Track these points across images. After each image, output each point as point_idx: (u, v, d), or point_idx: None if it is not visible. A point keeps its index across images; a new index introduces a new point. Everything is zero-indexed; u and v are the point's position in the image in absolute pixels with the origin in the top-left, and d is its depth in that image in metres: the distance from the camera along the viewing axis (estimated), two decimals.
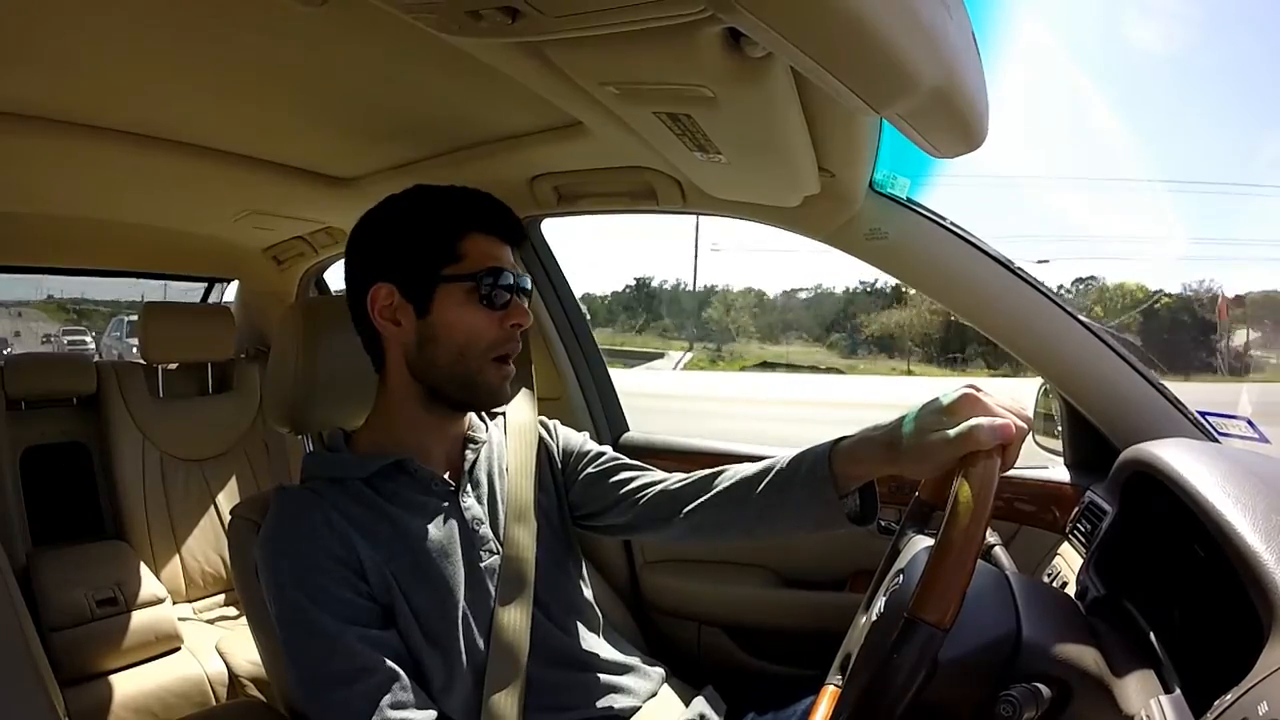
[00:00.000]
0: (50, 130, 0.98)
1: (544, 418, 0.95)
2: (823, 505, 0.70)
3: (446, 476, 0.81)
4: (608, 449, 0.93)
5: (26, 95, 0.91)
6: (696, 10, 0.47)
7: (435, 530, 0.76)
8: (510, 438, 0.88)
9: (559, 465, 0.91)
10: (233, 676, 1.47)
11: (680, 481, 0.82)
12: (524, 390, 0.96)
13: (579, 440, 0.94)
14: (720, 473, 0.80)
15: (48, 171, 1.18)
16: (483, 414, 0.88)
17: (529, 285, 0.79)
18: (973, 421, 0.58)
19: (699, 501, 0.79)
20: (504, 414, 0.92)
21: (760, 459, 0.78)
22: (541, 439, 0.91)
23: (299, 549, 0.70)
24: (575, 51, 0.58)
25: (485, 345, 0.75)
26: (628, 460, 0.90)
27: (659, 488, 0.83)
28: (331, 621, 0.67)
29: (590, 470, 0.89)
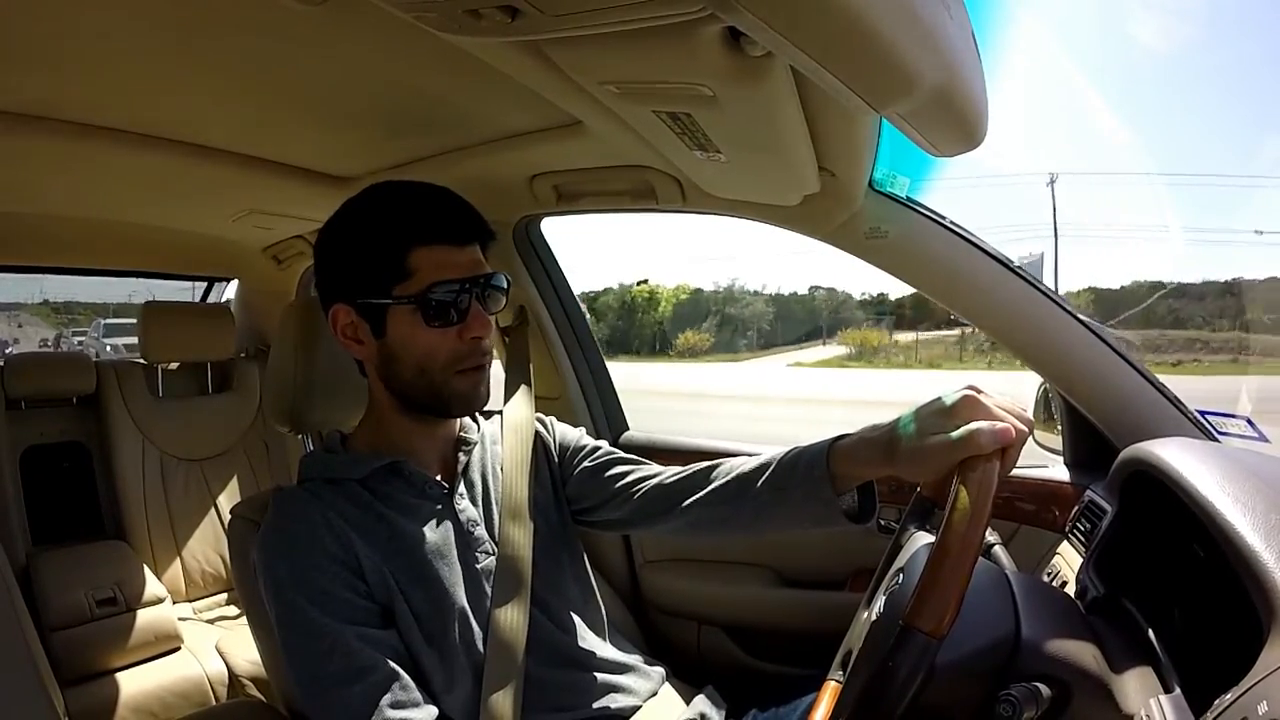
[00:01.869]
0: (50, 130, 0.98)
1: (540, 414, 0.94)
2: (820, 504, 0.69)
3: (440, 478, 0.81)
4: (604, 443, 0.92)
5: (26, 95, 0.90)
6: (696, 9, 0.47)
7: (430, 533, 0.76)
8: (506, 436, 0.88)
9: (556, 461, 0.90)
10: (233, 676, 1.47)
11: (676, 476, 0.81)
12: (522, 388, 0.96)
13: (575, 435, 0.93)
14: (717, 467, 0.79)
15: (47, 171, 1.18)
16: (475, 415, 0.88)
17: (503, 282, 0.76)
18: (973, 425, 0.57)
19: (695, 497, 0.78)
20: (500, 412, 0.91)
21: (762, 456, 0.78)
22: (538, 434, 0.90)
23: (298, 549, 0.70)
24: (575, 50, 0.58)
25: (443, 362, 0.73)
26: (624, 455, 0.89)
27: (655, 482, 0.82)
28: (331, 622, 0.67)
29: (587, 464, 0.89)
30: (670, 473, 0.83)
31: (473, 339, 0.74)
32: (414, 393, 0.76)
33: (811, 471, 0.69)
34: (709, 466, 0.80)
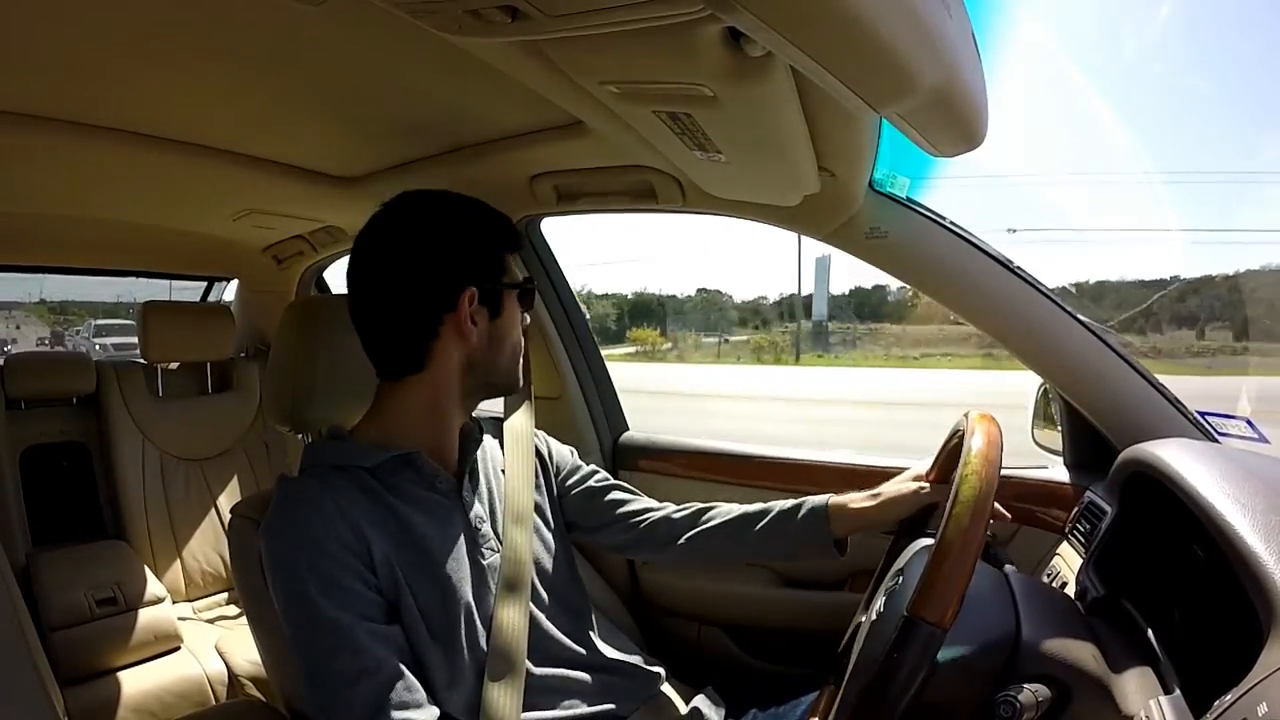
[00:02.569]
0: (49, 129, 0.98)
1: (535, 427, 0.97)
2: (816, 535, 0.86)
3: (449, 473, 0.81)
4: (597, 468, 0.98)
5: (26, 95, 0.90)
6: (696, 9, 0.47)
7: (439, 527, 0.76)
8: (507, 439, 0.89)
9: (553, 474, 0.94)
10: (232, 676, 1.47)
11: (678, 512, 0.93)
12: (522, 392, 0.97)
13: (570, 454, 0.98)
14: (713, 507, 0.93)
15: (47, 171, 1.18)
16: (475, 417, 0.89)
17: None
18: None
19: (700, 529, 0.90)
20: (499, 419, 0.92)
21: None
22: (535, 444, 0.93)
23: (308, 537, 0.68)
24: (575, 50, 0.58)
25: (519, 341, 0.84)
26: (620, 483, 0.98)
27: (660, 515, 0.93)
28: (340, 615, 0.67)
29: (591, 484, 0.95)
30: (670, 508, 0.94)
31: (525, 328, 0.85)
32: (501, 371, 0.82)
33: (813, 512, 0.87)
34: (707, 506, 0.93)
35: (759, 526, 0.88)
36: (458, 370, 0.79)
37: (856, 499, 0.86)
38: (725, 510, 0.92)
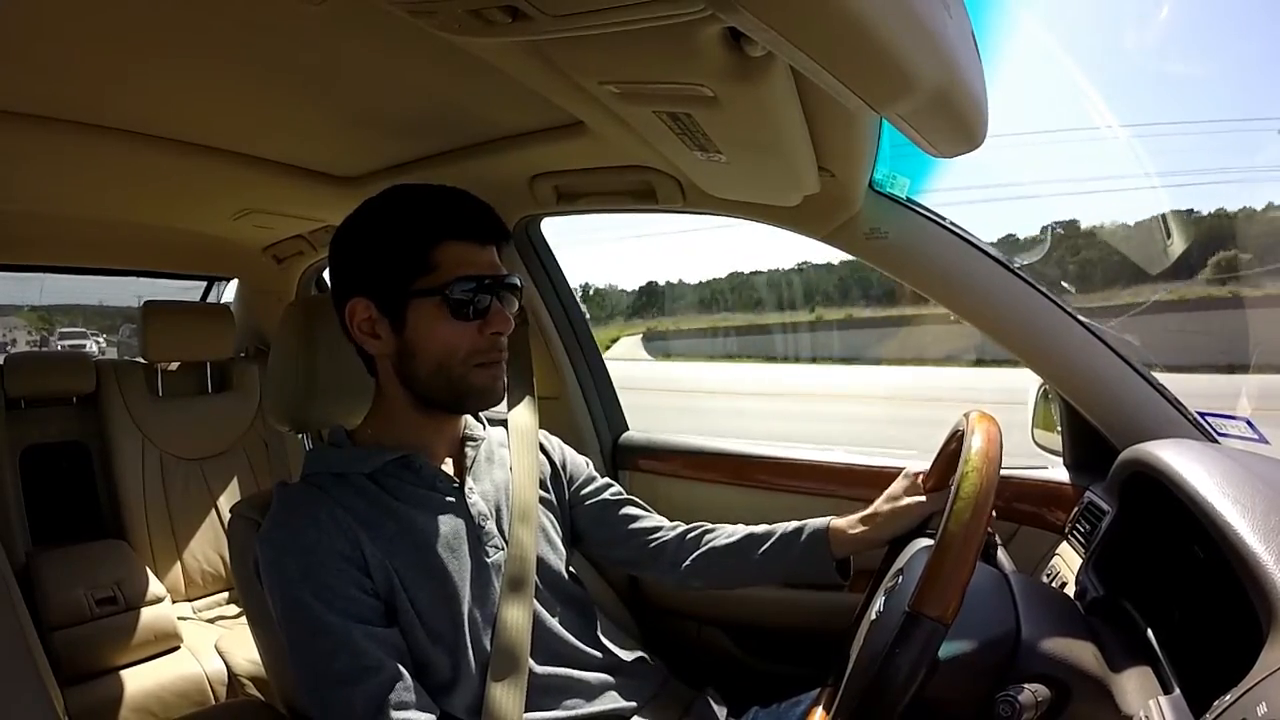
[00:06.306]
0: (48, 128, 0.98)
1: (545, 431, 0.96)
2: (817, 563, 0.85)
3: (450, 472, 0.81)
4: (612, 482, 0.97)
5: (25, 93, 0.90)
6: (696, 9, 0.47)
7: (442, 526, 0.76)
8: (513, 440, 0.89)
9: (562, 478, 0.93)
10: (232, 675, 1.47)
11: (688, 532, 0.92)
12: (526, 395, 0.97)
13: (585, 464, 0.97)
14: (719, 527, 0.92)
15: (46, 170, 1.18)
16: (479, 415, 0.89)
17: (518, 282, 0.77)
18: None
19: (702, 551, 0.90)
20: (505, 418, 0.92)
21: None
22: (542, 445, 0.93)
23: (303, 545, 0.69)
24: (575, 50, 0.58)
25: (463, 355, 0.74)
26: (632, 498, 0.97)
27: (671, 534, 0.92)
28: (336, 619, 0.67)
29: (605, 497, 0.94)
30: (681, 527, 0.93)
31: (493, 334, 0.75)
32: (431, 388, 0.76)
33: (814, 536, 0.86)
34: (713, 525, 0.93)
35: (763, 550, 0.87)
36: (395, 379, 0.78)
37: (854, 522, 0.85)
38: (730, 531, 0.91)
